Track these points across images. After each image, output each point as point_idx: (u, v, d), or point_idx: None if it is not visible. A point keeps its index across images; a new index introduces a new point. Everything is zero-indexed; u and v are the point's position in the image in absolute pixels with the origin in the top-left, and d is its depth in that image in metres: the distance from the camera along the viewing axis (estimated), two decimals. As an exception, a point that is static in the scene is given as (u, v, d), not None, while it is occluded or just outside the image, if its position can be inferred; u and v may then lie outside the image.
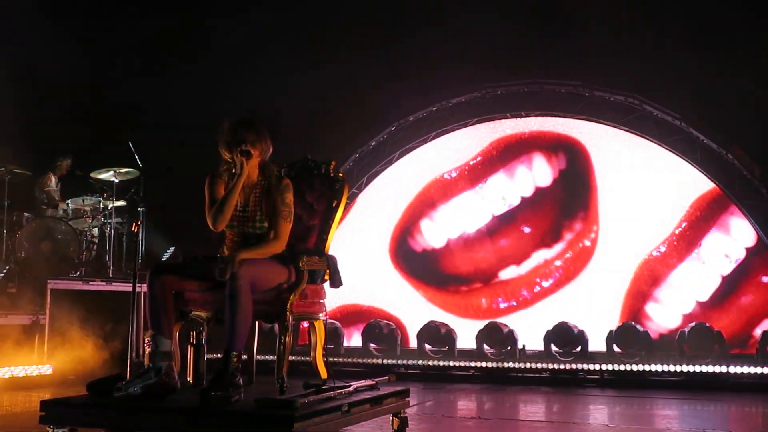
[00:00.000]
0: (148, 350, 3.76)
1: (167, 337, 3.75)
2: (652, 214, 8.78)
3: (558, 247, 9.16)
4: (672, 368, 7.43)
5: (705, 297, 8.53)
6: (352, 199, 9.88)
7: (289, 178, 4.56)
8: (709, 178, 8.62)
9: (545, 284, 9.14)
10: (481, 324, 8.36)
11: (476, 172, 9.59)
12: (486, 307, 9.32)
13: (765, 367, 7.19)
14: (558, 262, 9.13)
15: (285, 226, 3.97)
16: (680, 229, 8.70)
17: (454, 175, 9.69)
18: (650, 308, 8.75)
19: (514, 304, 9.23)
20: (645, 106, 8.91)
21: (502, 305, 9.27)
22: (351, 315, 9.71)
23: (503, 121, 9.58)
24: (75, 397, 3.88)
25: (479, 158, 9.60)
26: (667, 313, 8.68)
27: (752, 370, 7.21)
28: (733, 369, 7.24)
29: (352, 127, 9.69)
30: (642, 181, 8.91)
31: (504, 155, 9.52)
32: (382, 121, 9.85)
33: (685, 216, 8.71)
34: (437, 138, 9.86)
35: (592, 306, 8.78)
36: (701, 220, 8.67)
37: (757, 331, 8.09)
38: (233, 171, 3.97)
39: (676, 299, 8.65)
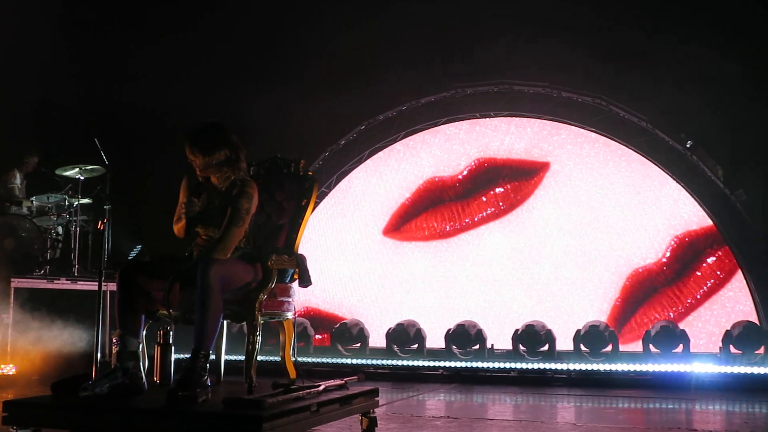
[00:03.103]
0: (115, 350, 3.72)
1: (135, 337, 3.72)
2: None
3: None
4: (638, 368, 7.52)
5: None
6: (321, 197, 9.86)
7: (259, 176, 4.54)
8: (673, 178, 8.74)
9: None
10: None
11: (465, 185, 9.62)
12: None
13: (727, 366, 7.32)
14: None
15: (231, 230, 3.84)
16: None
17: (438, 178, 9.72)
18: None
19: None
20: (611, 107, 9.02)
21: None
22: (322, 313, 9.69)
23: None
24: (39, 396, 3.83)
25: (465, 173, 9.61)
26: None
27: (715, 368, 7.33)
28: (697, 368, 7.35)
29: (321, 126, 9.66)
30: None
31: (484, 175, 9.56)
32: (352, 120, 9.84)
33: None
34: (407, 138, 9.88)
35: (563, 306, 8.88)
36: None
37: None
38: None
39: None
